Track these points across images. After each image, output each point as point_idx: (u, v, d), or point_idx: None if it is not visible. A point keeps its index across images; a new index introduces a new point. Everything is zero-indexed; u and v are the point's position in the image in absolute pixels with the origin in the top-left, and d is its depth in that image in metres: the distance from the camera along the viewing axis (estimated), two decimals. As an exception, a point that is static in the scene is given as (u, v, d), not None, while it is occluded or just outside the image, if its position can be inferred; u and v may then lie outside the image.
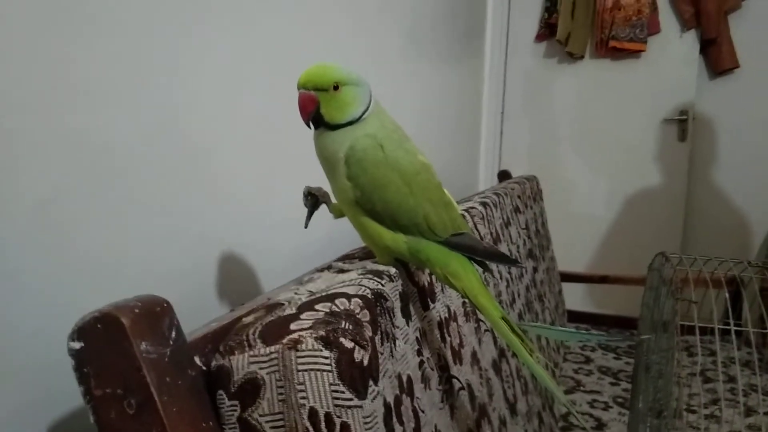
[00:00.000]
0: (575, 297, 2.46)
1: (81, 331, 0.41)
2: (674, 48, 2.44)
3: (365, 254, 0.70)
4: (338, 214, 0.65)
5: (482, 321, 0.93)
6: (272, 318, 0.48)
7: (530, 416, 1.10)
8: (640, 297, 2.41)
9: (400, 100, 1.45)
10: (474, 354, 0.82)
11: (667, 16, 2.44)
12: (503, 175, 2.04)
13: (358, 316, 0.48)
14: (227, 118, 0.77)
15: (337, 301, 0.49)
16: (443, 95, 1.86)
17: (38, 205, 0.52)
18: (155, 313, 0.43)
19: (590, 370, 1.77)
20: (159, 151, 0.65)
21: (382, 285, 0.56)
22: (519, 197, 1.61)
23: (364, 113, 0.56)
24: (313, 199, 0.65)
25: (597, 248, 2.65)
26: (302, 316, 0.47)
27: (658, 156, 2.53)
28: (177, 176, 0.68)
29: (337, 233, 1.00)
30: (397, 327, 0.57)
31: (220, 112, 0.75)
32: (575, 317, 2.20)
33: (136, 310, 0.42)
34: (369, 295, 0.52)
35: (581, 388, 1.64)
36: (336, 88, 0.55)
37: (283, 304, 0.52)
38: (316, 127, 0.57)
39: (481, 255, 0.57)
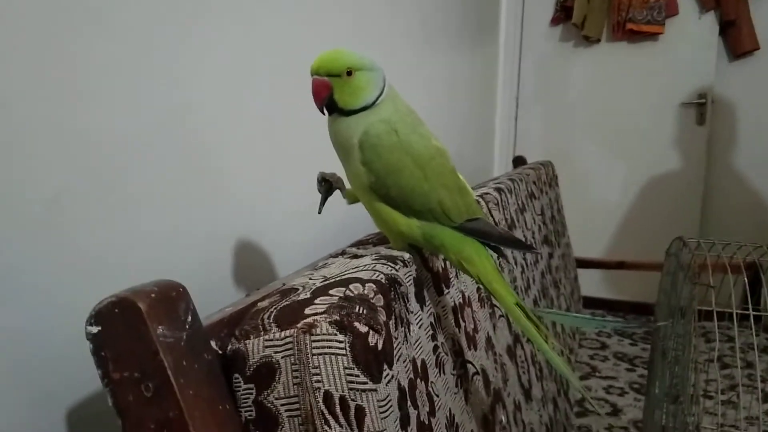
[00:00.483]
0: (591, 283, 2.44)
1: (98, 316, 0.42)
2: (693, 30, 2.39)
3: (379, 240, 0.70)
4: (352, 199, 0.65)
5: (497, 307, 0.92)
6: (287, 302, 0.48)
7: (545, 401, 1.10)
8: (656, 283, 2.40)
9: (414, 86, 1.44)
10: (489, 339, 0.82)
11: (685, -3, 2.38)
12: (518, 161, 2.02)
13: (372, 301, 0.48)
14: (232, 111, 0.77)
15: (351, 286, 0.49)
16: (458, 81, 1.84)
17: (44, 204, 0.53)
18: (171, 298, 0.44)
19: (606, 356, 1.76)
20: (164, 148, 0.65)
21: (396, 270, 0.56)
22: (534, 183, 1.59)
23: (378, 98, 0.56)
24: (327, 185, 0.65)
25: (613, 234, 2.63)
26: (316, 301, 0.47)
27: (676, 140, 2.49)
28: (183, 173, 0.68)
29: (351, 219, 1.00)
30: (411, 312, 0.57)
31: (224, 107, 0.75)
32: (591, 303, 2.19)
33: (153, 295, 0.42)
34: (383, 280, 0.52)
35: (597, 373, 1.63)
36: (349, 73, 0.54)
37: (297, 289, 0.52)
38: (330, 113, 0.57)
39: (495, 240, 0.57)
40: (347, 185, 0.63)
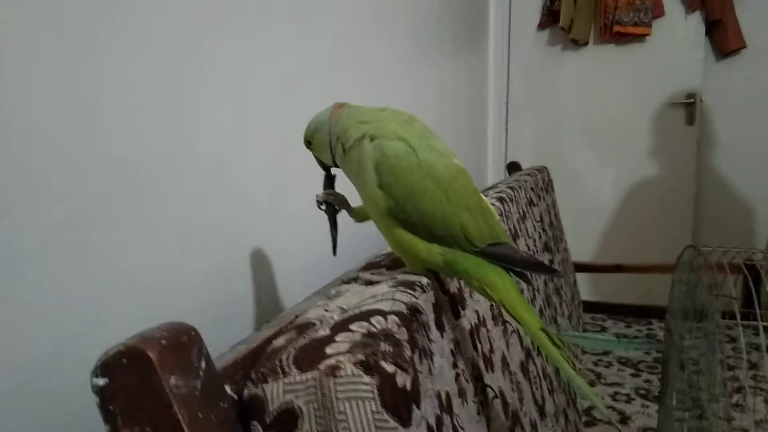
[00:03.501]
0: (585, 287, 2.43)
1: (105, 367, 0.38)
2: (679, 30, 2.40)
3: (392, 262, 0.67)
4: (360, 218, 0.62)
5: (508, 323, 0.90)
6: (305, 341, 0.45)
7: (557, 416, 1.07)
8: (652, 285, 2.39)
9: (406, 95, 1.41)
10: (504, 358, 0.79)
11: (670, -1, 2.39)
12: (513, 167, 2.00)
13: (396, 336, 0.45)
14: (240, 132, 0.74)
15: (372, 320, 0.46)
16: (449, 88, 1.82)
17: (60, 223, 0.50)
18: (183, 344, 0.40)
19: (609, 362, 1.74)
20: (176, 168, 0.63)
21: (416, 297, 0.53)
22: (532, 189, 1.57)
23: (331, 148, 0.59)
24: (330, 208, 0.62)
25: (606, 236, 2.62)
26: (337, 338, 0.44)
27: (666, 141, 2.49)
28: (192, 191, 0.65)
29: (353, 234, 0.97)
30: (433, 341, 0.54)
31: (232, 128, 0.72)
32: (589, 307, 2.17)
33: (163, 342, 0.39)
34: (404, 311, 0.49)
35: (602, 380, 1.61)
36: (309, 143, 0.63)
37: (314, 324, 0.49)
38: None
39: (518, 265, 0.54)
40: (352, 203, 0.61)
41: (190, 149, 0.65)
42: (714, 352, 0.68)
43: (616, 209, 2.61)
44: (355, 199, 0.62)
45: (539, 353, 1.07)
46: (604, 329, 2.11)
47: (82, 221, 0.52)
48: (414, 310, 0.51)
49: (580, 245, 2.43)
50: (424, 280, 0.57)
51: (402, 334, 0.46)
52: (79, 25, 0.51)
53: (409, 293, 0.53)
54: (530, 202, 1.49)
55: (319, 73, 0.93)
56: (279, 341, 0.47)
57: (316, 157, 0.63)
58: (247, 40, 0.75)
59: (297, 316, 0.54)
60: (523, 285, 1.09)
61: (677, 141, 2.47)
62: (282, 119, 0.83)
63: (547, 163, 2.16)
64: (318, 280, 0.81)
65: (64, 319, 0.52)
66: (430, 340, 0.53)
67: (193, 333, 0.42)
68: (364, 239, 1.02)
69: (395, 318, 0.47)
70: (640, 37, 2.44)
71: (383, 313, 0.47)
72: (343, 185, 0.63)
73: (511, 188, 1.32)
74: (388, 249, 0.76)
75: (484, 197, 0.56)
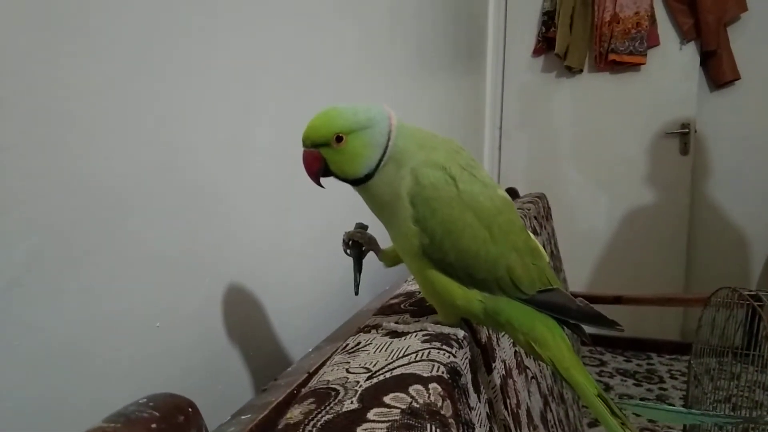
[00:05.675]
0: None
1: (77, 460, 0.29)
2: (674, 60, 2.39)
3: (413, 304, 0.58)
4: (391, 262, 0.53)
5: (528, 368, 0.82)
6: (329, 416, 0.36)
7: (573, 468, 0.99)
8: (647, 315, 2.34)
9: (406, 119, 1.35)
10: (528, 412, 0.71)
11: (666, 29, 2.39)
12: (511, 194, 1.94)
13: (442, 412, 0.36)
14: (235, 154, 0.65)
15: (411, 390, 0.38)
16: (445, 110, 1.76)
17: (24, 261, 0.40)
18: (179, 426, 0.31)
19: (611, 372, 1.71)
20: (159, 194, 0.53)
21: (454, 356, 0.45)
22: (535, 218, 1.51)
23: (381, 160, 0.45)
24: (356, 249, 0.53)
25: (598, 264, 2.57)
26: (371, 415, 0.35)
27: (660, 170, 2.47)
28: (178, 219, 0.56)
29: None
30: (472, 408, 0.45)
31: (225, 149, 0.63)
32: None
33: (154, 426, 0.30)
34: (445, 375, 0.41)
35: (612, 391, 1.56)
36: (339, 139, 0.45)
37: (337, 391, 0.40)
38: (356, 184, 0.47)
39: (575, 317, 0.46)
40: (382, 244, 0.52)
41: (176, 171, 0.55)
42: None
43: (610, 237, 2.56)
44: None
45: (554, 399, 0.99)
46: (603, 363, 2.05)
47: (49, 258, 0.43)
48: (454, 373, 0.43)
49: (573, 273, 2.37)
50: (460, 333, 0.49)
51: (447, 409, 0.37)
52: (45, 26, 0.42)
53: (446, 351, 0.45)
54: (534, 232, 1.42)
55: (319, 88, 0.86)
56: (294, 413, 0.38)
57: (333, 162, 0.46)
58: (245, 49, 0.67)
59: (310, 375, 0.45)
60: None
61: (671, 170, 2.45)
62: (285, 137, 0.75)
63: (540, 188, 2.10)
64: (326, 320, 0.72)
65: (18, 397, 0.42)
66: (470, 408, 0.44)
67: (190, 410, 0.33)
68: (365, 268, 0.93)
69: (437, 387, 0.39)
70: (635, 66, 2.42)
71: (422, 380, 0.39)
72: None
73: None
74: (407, 284, 0.68)
75: (531, 235, 0.48)
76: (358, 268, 0.54)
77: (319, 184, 0.48)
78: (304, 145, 0.46)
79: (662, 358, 2.12)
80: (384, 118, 0.46)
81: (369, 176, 0.46)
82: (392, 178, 0.45)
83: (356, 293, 0.54)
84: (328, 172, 0.47)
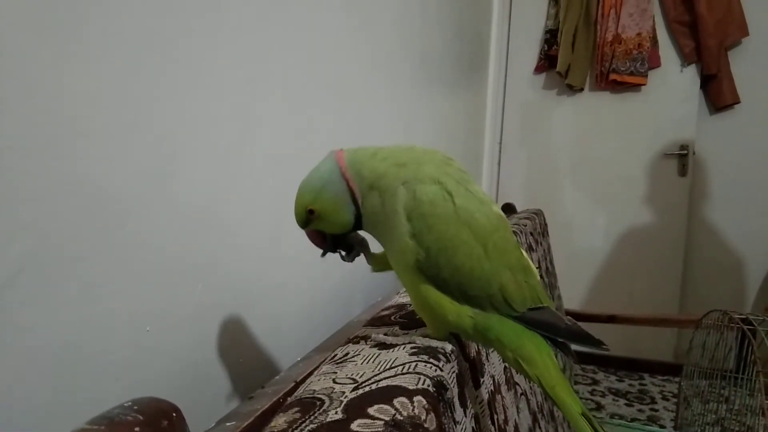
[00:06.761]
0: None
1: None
2: (675, 82, 2.41)
3: (403, 317, 0.59)
4: (379, 267, 0.54)
5: (518, 384, 0.82)
6: (313, 426, 0.36)
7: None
8: (641, 335, 2.33)
9: (410, 131, 1.35)
10: (516, 428, 0.71)
11: (667, 51, 2.41)
12: (508, 209, 1.95)
13: (425, 425, 0.37)
14: (231, 161, 0.65)
15: (396, 402, 0.38)
16: (448, 126, 1.77)
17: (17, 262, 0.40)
18: (162, 431, 0.32)
19: (602, 392, 1.70)
20: (155, 198, 0.53)
21: (441, 369, 0.45)
22: (531, 234, 1.51)
23: (354, 199, 0.48)
24: (350, 256, 0.54)
25: (594, 283, 2.57)
26: (354, 426, 0.35)
27: (658, 190, 2.48)
28: (174, 225, 0.56)
29: (348, 272, 0.88)
30: (458, 422, 0.46)
31: (221, 155, 0.63)
32: (582, 358, 2.10)
33: (137, 429, 0.30)
34: (430, 389, 0.41)
35: (603, 410, 1.55)
36: (312, 212, 0.49)
37: (322, 401, 0.40)
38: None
39: (563, 335, 0.46)
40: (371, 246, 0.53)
41: (172, 176, 0.56)
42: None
43: (606, 256, 2.57)
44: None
45: (543, 416, 0.99)
46: (595, 382, 2.05)
47: (44, 260, 0.43)
48: (440, 387, 0.43)
49: (569, 290, 2.37)
50: (448, 347, 0.49)
51: (431, 423, 0.38)
52: (45, 27, 0.43)
53: (433, 364, 0.45)
54: (530, 248, 1.42)
55: (319, 103, 0.86)
56: (279, 422, 0.38)
57: (319, 229, 0.51)
58: (247, 54, 0.67)
59: (297, 384, 0.46)
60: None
61: (669, 191, 2.46)
62: (281, 151, 0.75)
63: (538, 205, 2.11)
64: (316, 329, 0.72)
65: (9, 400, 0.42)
66: (455, 422, 0.45)
67: (175, 415, 0.33)
68: (359, 277, 0.93)
69: (422, 400, 0.39)
70: (636, 87, 2.44)
71: (407, 392, 0.39)
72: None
73: (514, 233, 1.26)
74: (399, 296, 0.68)
75: (524, 252, 0.48)
76: (346, 260, 0.54)
77: (336, 251, 0.53)
78: (301, 228, 0.51)
79: (654, 379, 2.12)
80: (332, 165, 0.48)
81: (359, 216, 0.49)
82: (380, 201, 0.47)
83: (323, 256, 0.54)
84: (335, 237, 0.51)
